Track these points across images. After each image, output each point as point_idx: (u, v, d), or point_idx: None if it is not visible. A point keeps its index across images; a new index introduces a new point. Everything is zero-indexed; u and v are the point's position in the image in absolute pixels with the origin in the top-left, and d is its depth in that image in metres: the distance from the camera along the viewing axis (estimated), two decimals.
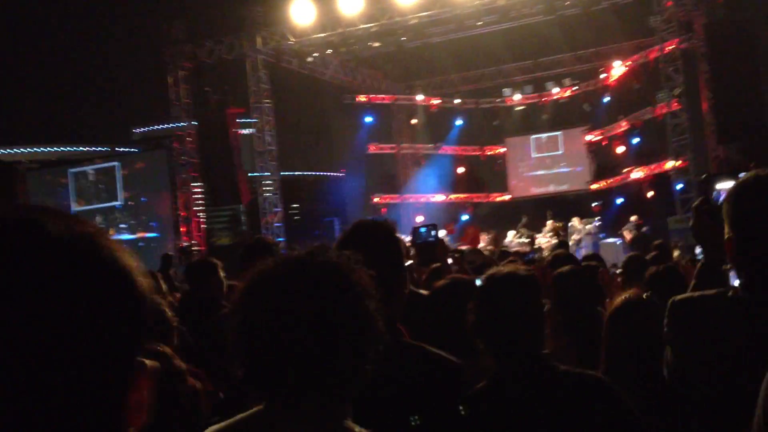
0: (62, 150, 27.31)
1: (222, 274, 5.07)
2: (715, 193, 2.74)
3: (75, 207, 24.37)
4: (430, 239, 5.30)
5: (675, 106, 20.20)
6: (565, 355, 3.02)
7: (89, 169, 25.30)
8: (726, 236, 2.30)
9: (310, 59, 21.77)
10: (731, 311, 2.35)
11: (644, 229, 19.84)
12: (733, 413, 2.34)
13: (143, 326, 0.90)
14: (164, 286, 6.01)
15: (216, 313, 4.55)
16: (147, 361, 0.92)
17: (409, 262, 2.59)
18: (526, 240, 20.97)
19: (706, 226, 2.86)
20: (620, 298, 3.10)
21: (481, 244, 19.93)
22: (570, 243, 18.52)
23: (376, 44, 21.18)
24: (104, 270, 0.85)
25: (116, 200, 24.08)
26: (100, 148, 27.92)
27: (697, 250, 13.09)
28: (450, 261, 5.83)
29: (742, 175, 2.27)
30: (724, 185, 2.61)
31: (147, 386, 0.91)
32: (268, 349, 1.54)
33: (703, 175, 2.86)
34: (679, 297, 2.57)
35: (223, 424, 1.65)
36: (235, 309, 1.61)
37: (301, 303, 1.53)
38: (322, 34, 20.33)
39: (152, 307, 0.92)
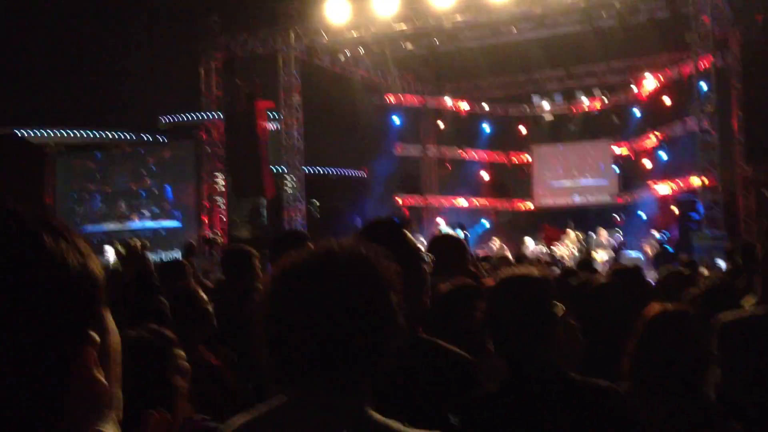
0: (91, 134, 27.47)
1: (257, 264, 4.95)
2: None
3: (100, 192, 24.55)
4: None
5: (705, 123, 19.98)
6: (577, 359, 2.97)
7: (116, 154, 25.51)
8: None
9: (341, 57, 21.78)
10: None
11: (666, 244, 19.69)
12: None
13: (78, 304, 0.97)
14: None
15: (249, 304, 4.49)
16: (93, 334, 0.97)
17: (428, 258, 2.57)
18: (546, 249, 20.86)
19: None
20: (658, 309, 2.92)
21: (495, 249, 19.90)
22: (595, 254, 18.48)
23: (409, 46, 21.16)
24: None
25: (141, 187, 24.21)
26: (127, 135, 28.05)
27: (722, 263, 12.94)
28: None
29: None
30: None
31: (91, 358, 0.97)
32: (293, 340, 1.55)
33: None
34: (728, 318, 2.50)
35: (245, 415, 1.65)
36: (264, 299, 1.63)
37: (328, 294, 1.55)
38: (356, 33, 20.36)
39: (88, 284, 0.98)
